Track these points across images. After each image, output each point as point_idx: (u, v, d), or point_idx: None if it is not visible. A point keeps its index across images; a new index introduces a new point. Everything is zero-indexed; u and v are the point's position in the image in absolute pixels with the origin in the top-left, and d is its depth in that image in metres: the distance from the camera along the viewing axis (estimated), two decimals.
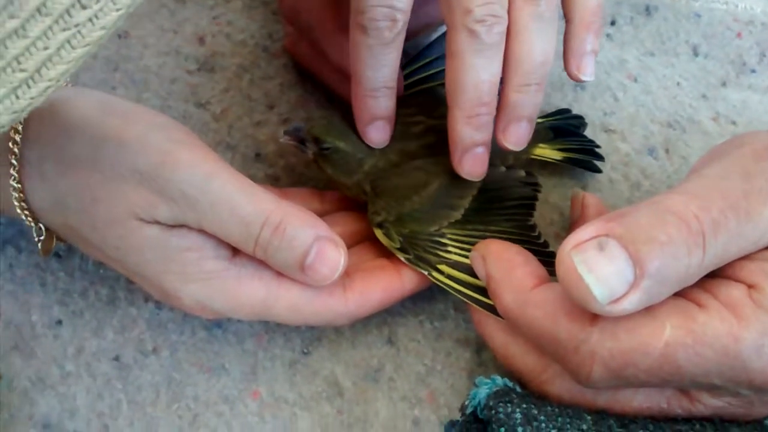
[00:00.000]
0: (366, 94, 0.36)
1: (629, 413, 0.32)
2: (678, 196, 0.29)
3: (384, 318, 0.38)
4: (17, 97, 0.21)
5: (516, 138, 0.36)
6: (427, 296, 0.39)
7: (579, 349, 0.29)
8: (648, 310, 0.29)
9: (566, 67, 0.38)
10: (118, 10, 0.21)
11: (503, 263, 0.33)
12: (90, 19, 0.20)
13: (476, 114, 0.35)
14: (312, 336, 0.38)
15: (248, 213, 0.32)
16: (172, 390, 0.37)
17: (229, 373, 0.37)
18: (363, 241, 0.38)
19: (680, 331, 0.28)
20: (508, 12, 0.34)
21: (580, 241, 0.28)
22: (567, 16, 0.38)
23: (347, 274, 0.35)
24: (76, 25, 0.20)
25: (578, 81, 0.38)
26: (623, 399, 0.32)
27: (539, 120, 0.41)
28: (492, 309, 0.34)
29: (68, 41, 0.20)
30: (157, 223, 0.32)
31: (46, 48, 0.20)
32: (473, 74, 0.34)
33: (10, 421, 0.36)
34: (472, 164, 0.36)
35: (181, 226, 0.33)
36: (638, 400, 0.32)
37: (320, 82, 0.43)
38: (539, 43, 0.34)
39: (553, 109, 0.43)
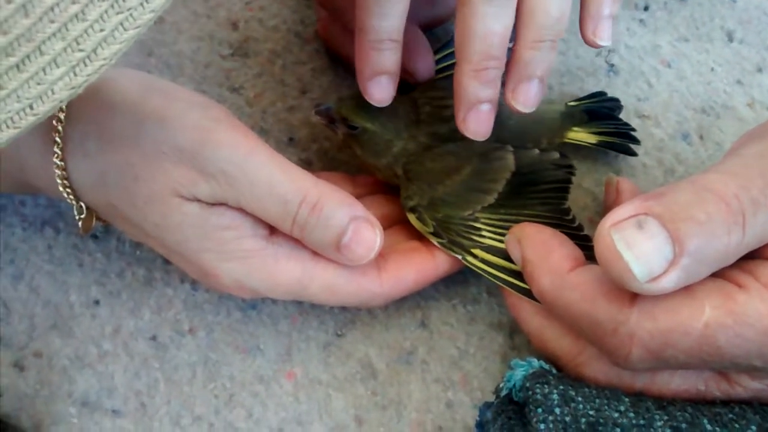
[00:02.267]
0: (370, 45, 0.35)
1: (667, 395, 0.32)
2: (717, 175, 0.29)
3: (417, 301, 0.38)
4: (75, 75, 0.22)
5: (525, 98, 0.35)
6: (460, 280, 0.39)
7: (617, 331, 0.29)
8: (687, 291, 0.29)
9: (582, 32, 0.36)
10: None
11: (539, 246, 0.33)
12: (141, 4, 0.22)
13: (484, 68, 0.33)
14: (345, 318, 0.38)
15: (287, 191, 0.32)
16: (209, 369, 0.37)
17: (264, 353, 0.37)
18: (396, 224, 0.38)
19: (720, 311, 0.28)
20: None
21: (619, 219, 0.28)
22: None
23: (381, 256, 0.35)
24: (129, 9, 0.22)
25: (594, 45, 0.36)
26: (661, 381, 0.32)
27: (573, 103, 0.41)
28: (527, 293, 0.34)
29: (121, 23, 0.22)
30: (197, 200, 0.33)
31: (102, 30, 0.22)
32: (483, 24, 0.33)
33: (50, 398, 0.36)
34: (477, 122, 0.35)
35: (221, 204, 0.33)
36: (676, 383, 0.31)
37: (352, 66, 0.43)
38: None
39: (588, 93, 0.42)
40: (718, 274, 0.29)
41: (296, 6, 0.46)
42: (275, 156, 0.33)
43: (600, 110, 0.41)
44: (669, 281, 0.27)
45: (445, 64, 0.41)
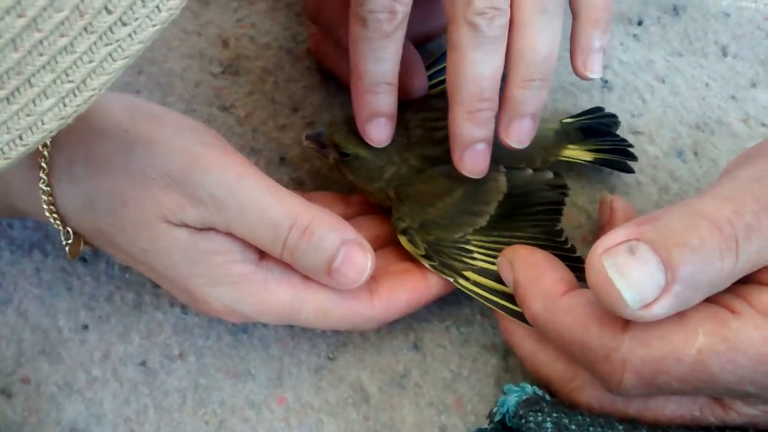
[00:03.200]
0: (366, 89, 0.35)
1: (661, 422, 0.31)
2: (710, 199, 0.29)
3: (410, 323, 0.38)
4: (65, 105, 0.22)
5: (518, 135, 0.35)
6: (453, 301, 0.38)
7: (610, 357, 0.29)
8: (680, 317, 0.28)
9: (573, 64, 0.37)
10: (154, 26, 0.22)
11: (531, 269, 0.33)
12: (129, 35, 0.22)
13: (477, 109, 0.34)
14: (337, 341, 0.38)
15: (277, 215, 0.32)
16: (199, 395, 0.37)
17: (255, 378, 0.37)
18: (388, 244, 0.38)
19: (713, 338, 0.28)
20: (511, 6, 0.33)
21: (611, 245, 0.28)
22: (574, 12, 0.37)
23: (373, 278, 0.35)
24: (117, 41, 0.22)
25: (585, 78, 0.37)
26: (655, 407, 0.31)
27: (568, 120, 0.41)
28: (519, 316, 0.33)
29: (110, 54, 0.22)
30: (186, 226, 0.32)
31: (91, 61, 0.22)
32: (474, 68, 0.33)
33: (38, 425, 0.36)
34: (473, 162, 0.35)
35: (209, 229, 0.33)
36: (670, 408, 0.31)
37: (344, 83, 0.42)
38: (543, 37, 0.34)
39: (585, 109, 0.42)
40: (712, 300, 0.29)
41: (288, 23, 0.45)
42: (265, 180, 0.33)
43: (596, 127, 0.40)
44: (661, 308, 0.27)
45: (439, 79, 0.41)
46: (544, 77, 0.34)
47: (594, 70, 0.37)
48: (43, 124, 0.22)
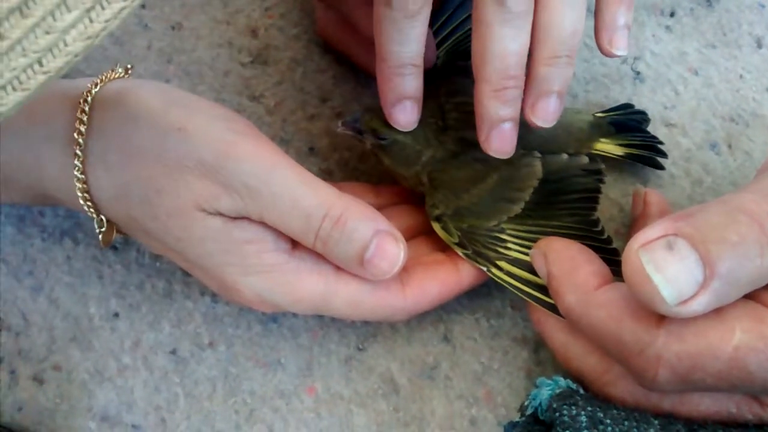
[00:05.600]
0: (392, 71, 0.35)
1: (696, 417, 0.31)
2: (749, 194, 0.28)
3: (440, 315, 0.38)
4: (91, 21, 0.19)
5: (545, 114, 0.35)
6: (483, 293, 0.38)
7: (644, 352, 0.29)
8: (717, 313, 0.28)
9: (598, 42, 0.36)
10: None
11: (566, 262, 0.32)
12: None
13: (503, 87, 0.33)
14: (367, 332, 0.38)
15: (310, 205, 0.32)
16: (229, 384, 0.37)
17: (284, 368, 0.37)
18: (419, 235, 0.38)
19: (751, 335, 0.28)
20: None
21: (648, 240, 0.27)
22: None
23: (405, 269, 0.34)
24: None
25: (611, 56, 0.36)
26: (690, 403, 0.31)
27: (600, 114, 0.40)
28: (552, 308, 0.33)
29: None
30: (220, 214, 0.32)
31: None
32: (500, 45, 0.33)
33: (69, 412, 0.36)
34: (500, 141, 0.35)
35: (243, 218, 0.33)
36: (705, 404, 0.31)
37: (354, 62, 0.42)
38: (569, 13, 0.33)
39: (613, 104, 0.42)
40: (749, 296, 0.28)
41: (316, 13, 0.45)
42: (298, 169, 0.33)
43: (627, 122, 0.40)
44: (699, 304, 0.27)
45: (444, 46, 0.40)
46: (570, 54, 0.34)
47: (620, 46, 0.36)
48: (65, 45, 0.19)
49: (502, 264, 0.35)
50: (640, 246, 0.27)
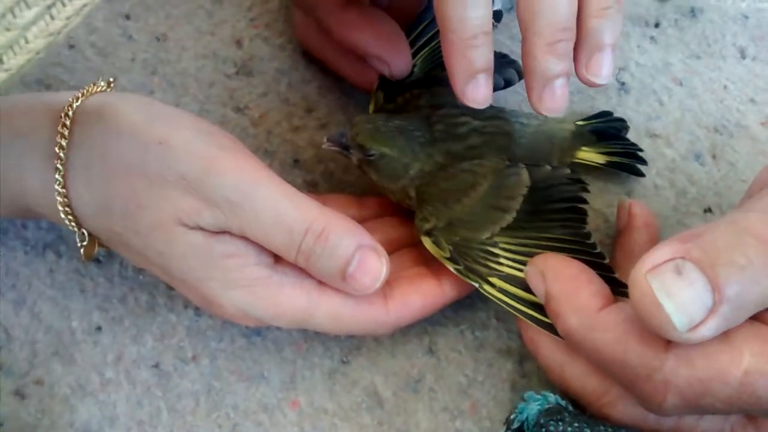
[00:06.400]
0: (464, 44, 0.32)
1: None
2: (756, 214, 0.28)
3: (424, 327, 0.38)
4: (52, 17, 0.19)
5: (600, 69, 0.33)
6: (468, 305, 0.38)
7: (652, 377, 0.28)
8: (724, 336, 0.27)
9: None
10: None
11: (566, 282, 0.32)
12: None
13: (557, 40, 0.32)
14: (351, 345, 0.37)
15: (292, 220, 0.32)
16: (212, 398, 0.36)
17: (268, 381, 0.37)
18: (403, 247, 0.38)
19: (760, 358, 0.27)
20: None
21: (656, 263, 0.27)
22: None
23: (387, 283, 0.34)
24: None
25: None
26: (687, 425, 0.31)
27: (581, 123, 0.40)
28: (548, 327, 0.32)
29: None
30: (201, 229, 0.32)
31: None
32: None
33: (51, 427, 0.36)
34: (553, 99, 0.33)
35: (225, 232, 0.32)
36: (702, 426, 0.31)
37: (329, 68, 0.42)
38: None
39: (595, 113, 0.42)
40: (755, 317, 0.28)
41: None
42: (281, 184, 0.33)
43: (607, 130, 0.40)
44: (708, 330, 0.26)
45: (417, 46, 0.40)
46: (618, 2, 0.33)
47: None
48: (26, 42, 0.19)
49: (495, 281, 0.34)
50: (648, 270, 0.27)
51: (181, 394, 0.36)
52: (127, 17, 0.44)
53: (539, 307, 0.33)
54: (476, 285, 0.34)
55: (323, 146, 0.37)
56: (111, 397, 0.36)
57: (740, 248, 0.26)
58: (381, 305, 0.34)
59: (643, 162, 0.40)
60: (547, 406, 0.31)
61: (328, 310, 0.34)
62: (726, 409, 0.28)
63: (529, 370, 0.37)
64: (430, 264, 0.36)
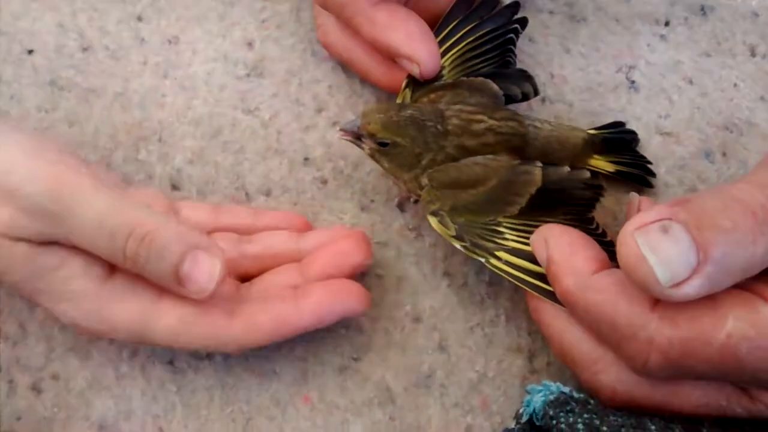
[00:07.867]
0: None
1: (687, 410, 0.31)
2: (745, 185, 0.29)
3: (434, 324, 0.38)
4: None
5: None
6: (477, 302, 0.38)
7: (637, 335, 0.29)
8: (710, 300, 0.28)
9: None
10: None
11: (565, 247, 0.33)
12: None
13: None
14: (361, 342, 0.38)
15: (114, 224, 0.32)
16: (226, 394, 0.37)
17: (280, 377, 0.37)
18: (287, 262, 0.37)
19: (743, 323, 0.28)
20: None
21: (644, 223, 0.28)
22: None
23: (240, 301, 0.34)
24: None
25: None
26: (681, 394, 0.31)
27: (593, 131, 0.41)
28: (550, 295, 0.33)
29: None
30: (24, 240, 0.32)
31: None
32: None
33: (67, 421, 0.36)
34: None
35: (51, 243, 0.32)
36: (696, 395, 0.31)
37: (355, 70, 0.43)
38: None
39: (608, 112, 0.42)
40: (742, 286, 0.29)
41: (312, 23, 0.45)
42: (102, 190, 0.33)
43: (618, 141, 0.40)
44: (691, 288, 0.27)
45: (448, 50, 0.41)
46: None
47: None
48: None
49: (501, 254, 0.35)
50: (635, 228, 0.28)
51: (196, 389, 0.37)
52: (140, 19, 0.45)
53: (542, 277, 0.34)
54: (482, 260, 0.35)
55: (336, 136, 0.37)
56: (126, 391, 0.37)
57: (726, 213, 0.27)
58: (223, 320, 0.33)
59: (652, 174, 0.41)
60: (550, 396, 0.31)
61: (167, 324, 0.33)
62: (709, 373, 0.28)
63: (539, 366, 0.37)
64: (299, 287, 0.35)
